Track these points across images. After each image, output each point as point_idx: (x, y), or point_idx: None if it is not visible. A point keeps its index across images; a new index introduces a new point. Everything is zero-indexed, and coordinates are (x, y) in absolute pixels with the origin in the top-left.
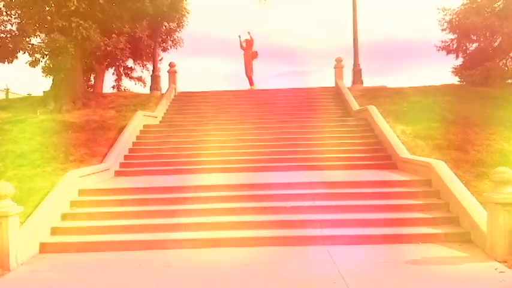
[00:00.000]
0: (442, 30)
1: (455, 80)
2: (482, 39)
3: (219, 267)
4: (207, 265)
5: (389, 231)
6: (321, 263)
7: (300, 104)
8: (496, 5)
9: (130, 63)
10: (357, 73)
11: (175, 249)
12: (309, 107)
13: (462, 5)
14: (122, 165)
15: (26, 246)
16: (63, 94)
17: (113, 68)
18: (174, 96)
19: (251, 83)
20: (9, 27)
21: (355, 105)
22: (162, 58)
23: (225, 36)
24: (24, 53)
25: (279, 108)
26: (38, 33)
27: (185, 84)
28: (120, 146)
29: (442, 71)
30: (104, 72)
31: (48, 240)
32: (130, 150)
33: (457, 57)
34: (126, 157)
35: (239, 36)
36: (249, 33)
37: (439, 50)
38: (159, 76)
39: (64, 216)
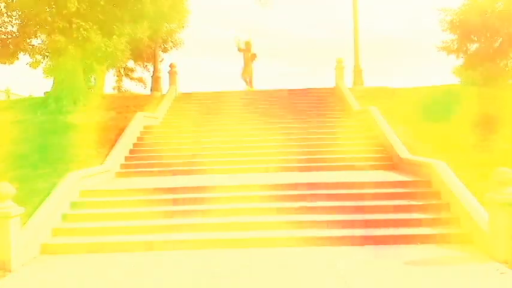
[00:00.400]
0: (443, 30)
1: (455, 80)
2: (483, 40)
3: (223, 267)
4: (207, 265)
5: (390, 232)
6: (317, 262)
7: (300, 104)
8: (496, 6)
9: (131, 64)
10: (357, 74)
11: (175, 250)
12: (312, 108)
13: (463, 5)
14: (122, 166)
15: (27, 247)
16: (64, 95)
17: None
18: (175, 97)
19: (250, 85)
20: (10, 28)
21: (355, 105)
22: (162, 59)
23: (226, 36)
24: (25, 54)
25: (279, 108)
26: (38, 34)
27: (186, 84)
28: (121, 147)
29: (442, 71)
30: (104, 73)
31: (50, 241)
32: (131, 151)
33: (458, 57)
34: (126, 158)
35: (235, 38)
36: (249, 34)
37: (439, 50)
38: (160, 77)
39: (65, 217)
